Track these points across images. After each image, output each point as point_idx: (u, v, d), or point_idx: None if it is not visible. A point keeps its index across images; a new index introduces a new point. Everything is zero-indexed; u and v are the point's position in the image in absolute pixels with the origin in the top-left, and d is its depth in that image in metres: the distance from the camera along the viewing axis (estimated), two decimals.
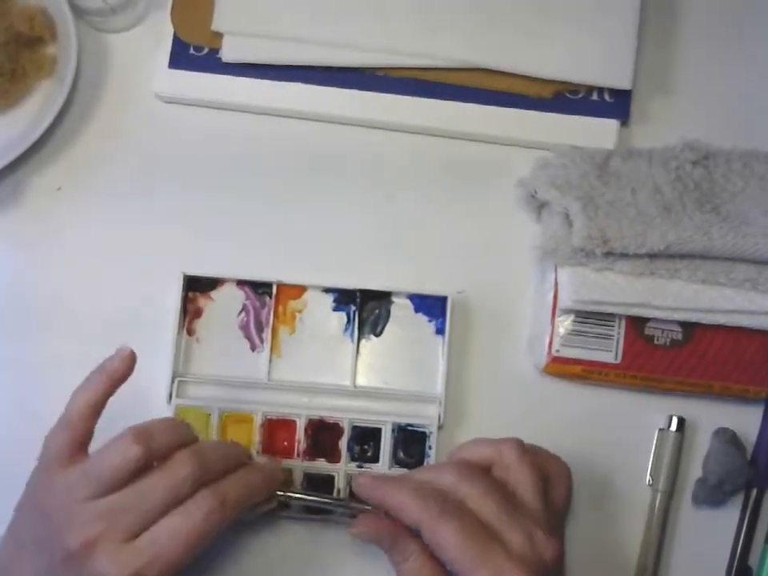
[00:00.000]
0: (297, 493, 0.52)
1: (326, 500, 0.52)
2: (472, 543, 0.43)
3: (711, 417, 0.58)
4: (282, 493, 0.51)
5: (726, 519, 0.58)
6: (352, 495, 0.54)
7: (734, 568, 0.57)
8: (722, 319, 0.56)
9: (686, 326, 0.57)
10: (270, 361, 0.57)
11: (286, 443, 0.55)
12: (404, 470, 0.55)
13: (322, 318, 0.58)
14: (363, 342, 0.58)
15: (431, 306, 0.58)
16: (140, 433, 0.45)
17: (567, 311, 0.56)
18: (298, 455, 0.55)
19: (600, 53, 0.60)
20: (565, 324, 0.56)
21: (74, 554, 0.43)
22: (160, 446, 0.45)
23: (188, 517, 0.44)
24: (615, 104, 0.61)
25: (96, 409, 0.47)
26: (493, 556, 0.43)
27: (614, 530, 0.57)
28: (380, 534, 0.48)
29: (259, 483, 0.48)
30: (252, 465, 0.50)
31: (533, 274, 0.60)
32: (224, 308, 0.57)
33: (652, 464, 0.57)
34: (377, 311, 0.58)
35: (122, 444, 0.45)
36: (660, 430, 0.58)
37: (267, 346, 0.57)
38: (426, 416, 0.56)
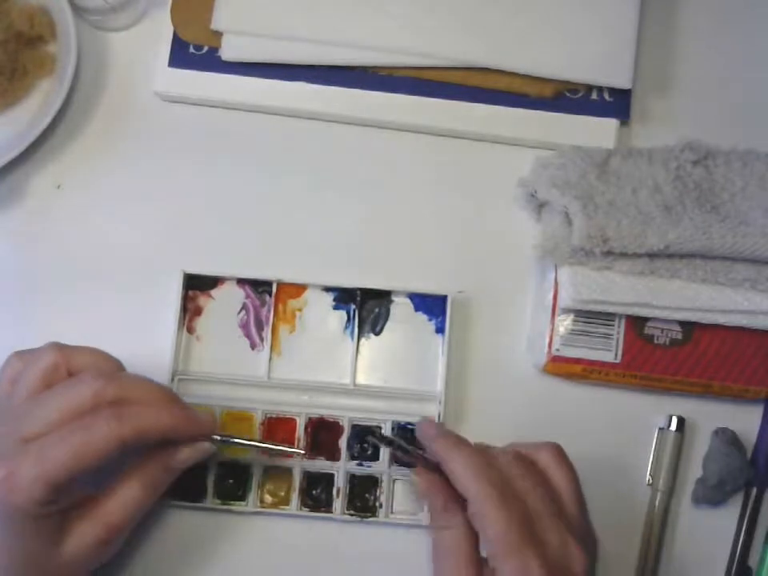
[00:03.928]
0: (232, 437, 0.51)
1: (260, 445, 0.52)
2: (514, 534, 0.43)
3: (711, 417, 0.58)
4: (218, 437, 0.49)
5: (726, 519, 0.58)
6: (350, 501, 0.55)
7: (734, 568, 0.57)
8: (721, 319, 0.56)
9: (685, 325, 0.57)
10: (270, 359, 0.57)
11: (285, 441, 0.55)
12: (404, 470, 0.55)
13: (322, 317, 0.58)
14: (363, 340, 0.58)
15: (431, 305, 0.58)
16: (63, 348, 0.47)
17: (567, 310, 0.56)
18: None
19: (600, 52, 0.60)
20: (565, 323, 0.56)
21: None
22: (80, 363, 0.46)
23: (80, 429, 0.43)
24: (615, 103, 0.61)
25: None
26: (527, 552, 0.43)
27: (614, 530, 0.57)
28: (434, 493, 0.48)
29: (175, 419, 0.46)
30: (175, 402, 0.48)
31: (533, 273, 0.60)
32: (224, 306, 0.57)
33: (652, 464, 0.57)
34: (377, 310, 0.58)
35: (43, 352, 0.46)
36: (660, 429, 0.58)
37: (267, 344, 0.57)
38: (425, 414, 0.56)
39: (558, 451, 0.48)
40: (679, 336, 0.57)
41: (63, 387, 0.45)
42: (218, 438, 0.49)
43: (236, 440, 0.51)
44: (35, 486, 0.42)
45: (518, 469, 0.46)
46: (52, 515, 0.44)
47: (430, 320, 0.58)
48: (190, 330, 0.57)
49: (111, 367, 0.48)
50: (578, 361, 0.56)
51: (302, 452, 0.53)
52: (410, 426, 0.56)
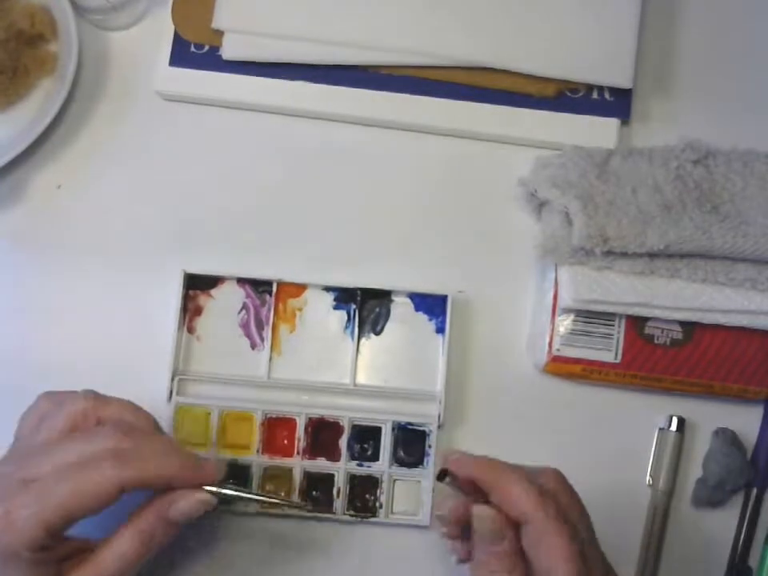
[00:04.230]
0: (230, 489, 0.47)
1: (262, 498, 0.50)
2: (579, 565, 0.42)
3: (711, 417, 0.58)
4: (215, 489, 0.46)
5: (726, 519, 0.58)
6: (350, 502, 0.54)
7: (734, 568, 0.57)
8: (721, 319, 0.56)
9: (685, 325, 0.57)
10: (270, 359, 0.57)
11: (286, 441, 0.55)
12: (404, 470, 0.55)
13: (322, 317, 0.58)
14: (363, 340, 0.57)
15: (431, 305, 0.58)
16: (95, 397, 0.46)
17: (567, 310, 0.56)
18: (298, 453, 0.55)
19: (601, 51, 0.60)
20: (565, 323, 0.56)
21: None
22: (109, 414, 0.45)
23: (80, 470, 0.42)
24: (615, 103, 0.61)
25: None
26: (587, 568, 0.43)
27: (614, 530, 0.57)
28: (508, 530, 0.45)
29: (178, 466, 0.44)
30: (182, 451, 0.46)
31: (533, 273, 0.60)
32: (224, 306, 0.57)
33: (652, 464, 0.58)
34: (377, 310, 0.58)
35: (74, 397, 0.46)
36: (660, 429, 0.58)
37: (267, 344, 0.57)
38: (425, 415, 0.56)
39: (562, 477, 0.47)
40: (679, 336, 0.57)
41: (81, 436, 0.44)
42: (218, 490, 0.46)
43: (238, 493, 0.47)
44: (30, 525, 0.40)
45: (565, 497, 0.46)
46: (47, 562, 0.43)
47: (430, 320, 0.58)
48: (190, 330, 0.57)
49: (141, 421, 0.47)
50: (577, 361, 0.56)
51: (309, 506, 0.51)
52: (409, 426, 0.56)
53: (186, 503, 0.44)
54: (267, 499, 0.51)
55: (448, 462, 0.46)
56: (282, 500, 0.52)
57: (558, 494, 0.45)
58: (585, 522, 0.46)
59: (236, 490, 0.47)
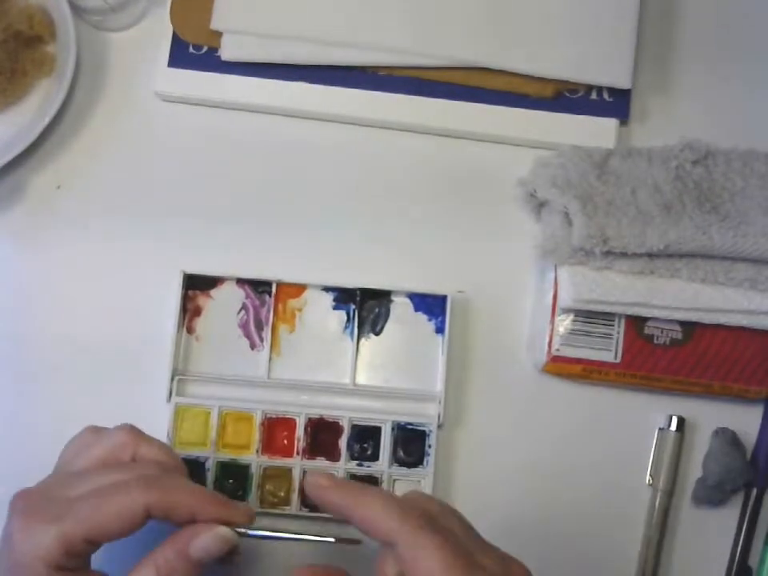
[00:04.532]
0: (257, 529, 0.45)
1: (290, 537, 0.46)
2: (459, 559, 0.39)
3: (711, 417, 0.58)
4: (242, 530, 0.44)
5: (726, 519, 0.58)
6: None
7: (734, 568, 0.57)
8: (721, 319, 0.56)
9: (685, 325, 0.57)
10: (270, 359, 0.57)
11: (285, 441, 0.55)
12: (404, 470, 0.55)
13: (322, 317, 0.57)
14: (363, 340, 0.57)
15: (431, 305, 0.58)
16: (137, 434, 0.45)
17: (567, 310, 0.56)
18: (298, 453, 0.55)
19: (599, 52, 0.60)
20: (564, 323, 0.56)
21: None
22: (146, 453, 0.45)
23: (106, 489, 0.41)
24: (615, 103, 0.61)
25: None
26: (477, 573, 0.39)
27: (614, 530, 0.57)
28: None
29: (207, 499, 0.43)
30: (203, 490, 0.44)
31: (533, 273, 0.60)
32: (224, 306, 0.57)
33: (652, 463, 0.57)
34: (376, 310, 0.58)
35: (118, 431, 0.45)
36: (660, 429, 0.58)
37: (267, 344, 0.57)
38: (425, 415, 0.56)
39: (427, 494, 0.46)
40: (679, 336, 0.57)
41: (117, 466, 0.44)
42: (245, 530, 0.44)
43: (266, 533, 0.45)
44: (48, 537, 0.40)
45: (435, 506, 0.43)
46: None
47: (430, 320, 0.58)
48: (190, 330, 0.57)
49: (174, 462, 0.46)
50: (578, 361, 0.56)
51: (333, 540, 0.47)
52: (409, 426, 0.56)
53: (206, 537, 0.42)
54: (299, 537, 0.46)
55: (307, 485, 0.44)
56: (314, 537, 0.47)
57: (424, 504, 0.42)
58: (465, 526, 0.43)
59: (263, 530, 0.45)
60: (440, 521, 0.41)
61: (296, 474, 0.55)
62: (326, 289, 0.58)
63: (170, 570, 0.42)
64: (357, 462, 0.55)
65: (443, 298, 0.57)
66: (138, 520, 0.41)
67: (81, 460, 0.45)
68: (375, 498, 0.41)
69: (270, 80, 0.60)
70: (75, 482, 0.43)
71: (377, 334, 0.58)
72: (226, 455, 0.55)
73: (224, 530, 0.43)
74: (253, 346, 0.57)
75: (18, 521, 0.41)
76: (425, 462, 0.55)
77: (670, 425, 0.57)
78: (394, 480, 0.55)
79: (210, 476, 0.54)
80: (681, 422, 0.57)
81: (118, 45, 0.62)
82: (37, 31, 0.59)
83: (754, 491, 0.57)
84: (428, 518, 0.41)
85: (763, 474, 0.57)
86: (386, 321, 0.58)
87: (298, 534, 0.46)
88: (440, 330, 0.57)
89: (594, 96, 0.61)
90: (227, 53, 0.59)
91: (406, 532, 0.39)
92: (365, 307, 0.58)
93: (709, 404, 0.58)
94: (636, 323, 0.57)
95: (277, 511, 0.54)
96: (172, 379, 0.55)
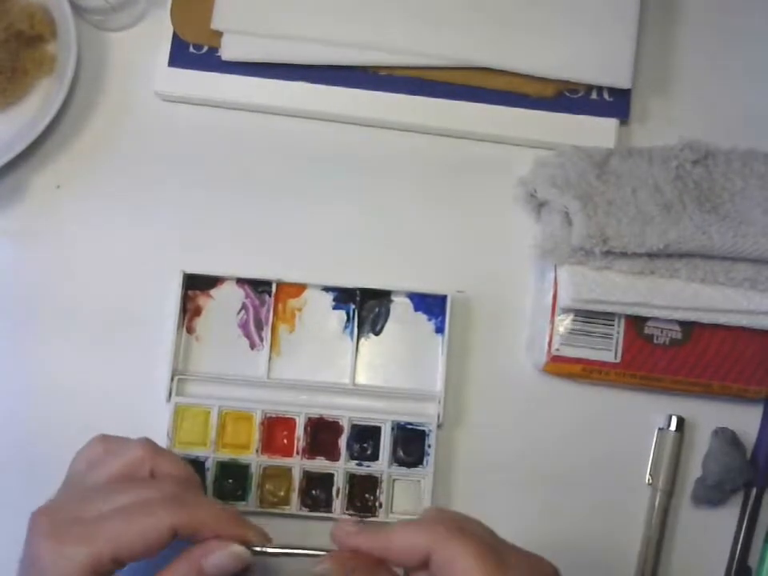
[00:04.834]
0: (273, 547, 0.45)
1: (305, 553, 0.45)
2: (491, 559, 0.40)
3: (711, 416, 0.58)
4: (258, 548, 0.44)
5: (726, 519, 0.58)
6: (350, 501, 0.54)
7: (734, 568, 0.57)
8: (721, 318, 0.56)
9: (685, 325, 0.57)
10: (270, 359, 0.57)
11: (285, 441, 0.55)
12: (404, 469, 0.55)
13: (322, 317, 0.58)
14: (363, 340, 0.57)
15: (431, 305, 0.58)
16: (153, 448, 0.45)
17: (567, 310, 0.56)
18: (298, 453, 0.55)
19: (600, 52, 0.60)
20: (564, 323, 0.56)
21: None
22: (163, 468, 0.45)
23: (135, 508, 0.41)
24: (615, 103, 0.61)
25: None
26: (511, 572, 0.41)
27: (614, 530, 0.57)
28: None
29: (231, 518, 0.44)
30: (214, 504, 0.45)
31: (533, 273, 0.60)
32: (224, 306, 0.57)
33: (652, 463, 0.57)
34: (376, 310, 0.58)
35: (133, 444, 0.45)
36: (659, 429, 0.58)
37: (267, 344, 0.57)
38: (425, 414, 0.56)
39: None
40: (679, 336, 0.57)
41: (139, 482, 0.44)
42: (261, 548, 0.44)
43: (281, 550, 0.45)
44: (80, 558, 0.40)
45: (456, 515, 0.44)
46: None
47: (430, 320, 0.58)
48: (190, 330, 0.57)
49: (190, 476, 0.47)
50: (577, 361, 0.56)
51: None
52: (409, 426, 0.56)
53: (221, 555, 0.43)
54: (314, 553, 0.45)
55: (335, 540, 0.44)
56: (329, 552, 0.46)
57: (446, 514, 0.44)
58: (488, 530, 0.43)
59: (279, 547, 0.45)
60: (466, 526, 0.42)
61: (296, 474, 0.55)
62: (326, 289, 0.58)
63: None
64: (356, 461, 0.55)
65: (443, 298, 0.57)
66: (164, 541, 0.41)
67: (97, 474, 0.44)
68: (400, 525, 0.43)
69: (271, 80, 0.60)
70: (96, 498, 0.42)
71: (377, 333, 0.58)
72: (226, 455, 0.55)
73: (238, 548, 0.43)
74: (253, 346, 0.57)
75: (45, 543, 0.41)
76: (424, 462, 0.55)
77: (669, 425, 0.57)
78: (394, 480, 0.56)
79: (210, 476, 0.54)
80: (680, 421, 0.57)
81: (119, 44, 0.62)
82: (38, 30, 0.59)
83: (754, 491, 0.57)
84: (455, 525, 0.42)
85: (763, 473, 0.57)
86: (385, 321, 0.58)
87: (314, 551, 0.45)
88: (440, 329, 0.57)
89: (594, 96, 0.61)
90: (227, 53, 0.60)
91: (439, 540, 0.41)
92: (365, 307, 0.58)
93: (708, 404, 0.58)
94: (636, 323, 0.57)
95: (276, 511, 0.54)
96: (172, 379, 0.55)
